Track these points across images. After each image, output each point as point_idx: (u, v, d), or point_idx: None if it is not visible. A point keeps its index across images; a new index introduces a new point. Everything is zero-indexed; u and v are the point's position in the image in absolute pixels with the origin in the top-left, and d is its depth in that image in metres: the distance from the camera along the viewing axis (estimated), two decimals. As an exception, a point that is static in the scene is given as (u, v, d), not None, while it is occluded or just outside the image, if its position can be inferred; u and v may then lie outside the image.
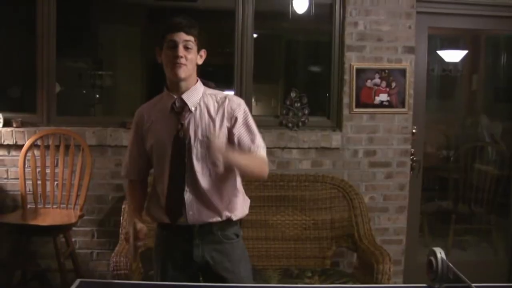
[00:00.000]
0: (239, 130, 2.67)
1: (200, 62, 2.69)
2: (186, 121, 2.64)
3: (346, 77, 4.55)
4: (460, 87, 5.90)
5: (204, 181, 2.65)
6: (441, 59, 5.47)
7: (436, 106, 5.57)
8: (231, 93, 4.33)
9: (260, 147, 2.71)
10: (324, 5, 4.71)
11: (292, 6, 4.78)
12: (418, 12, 4.59)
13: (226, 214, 2.70)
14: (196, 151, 2.63)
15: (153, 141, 2.70)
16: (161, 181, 2.70)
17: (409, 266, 4.75)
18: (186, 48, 2.58)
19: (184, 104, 2.65)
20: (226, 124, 2.66)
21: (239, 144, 2.66)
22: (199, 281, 2.78)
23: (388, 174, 4.64)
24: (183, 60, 2.57)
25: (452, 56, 5.61)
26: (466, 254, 5.42)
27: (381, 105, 4.58)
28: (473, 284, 2.09)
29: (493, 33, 5.49)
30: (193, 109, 2.65)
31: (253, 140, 2.68)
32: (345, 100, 4.56)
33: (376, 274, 3.73)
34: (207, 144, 2.60)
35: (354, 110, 4.56)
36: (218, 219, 2.69)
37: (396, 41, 4.55)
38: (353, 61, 4.53)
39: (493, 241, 5.55)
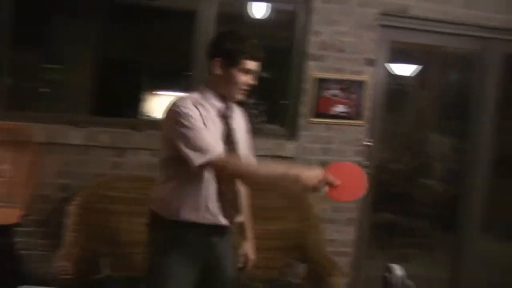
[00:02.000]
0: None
1: None
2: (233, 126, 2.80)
3: (305, 86, 4.51)
4: (411, 102, 5.96)
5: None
6: (393, 73, 5.50)
7: (388, 120, 5.59)
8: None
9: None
10: (286, 12, 4.67)
11: (250, 10, 4.73)
12: (381, 25, 4.60)
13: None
14: (241, 154, 2.79)
15: None
16: (204, 181, 2.66)
17: (355, 279, 4.75)
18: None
19: (230, 110, 2.78)
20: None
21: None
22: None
23: (340, 186, 4.60)
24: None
25: (405, 70, 5.66)
26: (408, 267, 5.42)
27: (338, 116, 4.56)
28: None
29: (448, 50, 5.55)
30: (234, 115, 2.81)
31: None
32: (303, 109, 4.53)
33: (328, 287, 3.71)
34: None
35: (311, 120, 4.53)
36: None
37: (357, 53, 4.55)
38: (314, 70, 4.50)
39: (435, 256, 5.60)
